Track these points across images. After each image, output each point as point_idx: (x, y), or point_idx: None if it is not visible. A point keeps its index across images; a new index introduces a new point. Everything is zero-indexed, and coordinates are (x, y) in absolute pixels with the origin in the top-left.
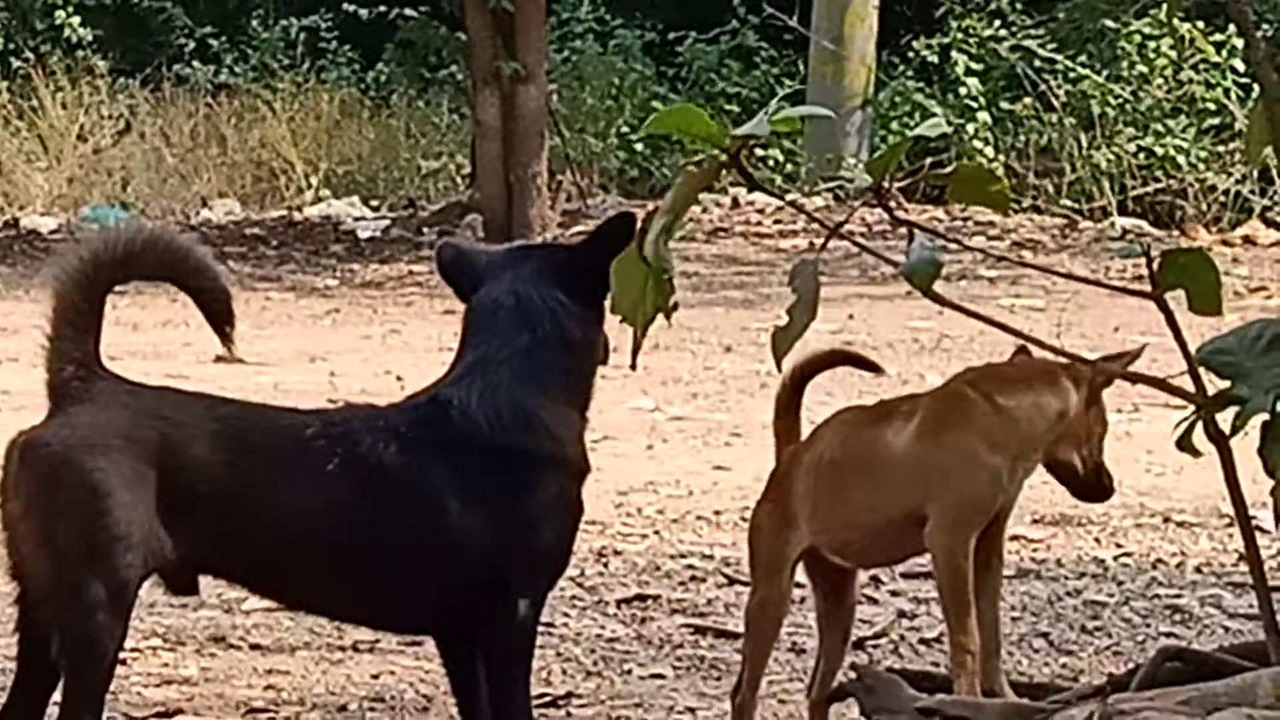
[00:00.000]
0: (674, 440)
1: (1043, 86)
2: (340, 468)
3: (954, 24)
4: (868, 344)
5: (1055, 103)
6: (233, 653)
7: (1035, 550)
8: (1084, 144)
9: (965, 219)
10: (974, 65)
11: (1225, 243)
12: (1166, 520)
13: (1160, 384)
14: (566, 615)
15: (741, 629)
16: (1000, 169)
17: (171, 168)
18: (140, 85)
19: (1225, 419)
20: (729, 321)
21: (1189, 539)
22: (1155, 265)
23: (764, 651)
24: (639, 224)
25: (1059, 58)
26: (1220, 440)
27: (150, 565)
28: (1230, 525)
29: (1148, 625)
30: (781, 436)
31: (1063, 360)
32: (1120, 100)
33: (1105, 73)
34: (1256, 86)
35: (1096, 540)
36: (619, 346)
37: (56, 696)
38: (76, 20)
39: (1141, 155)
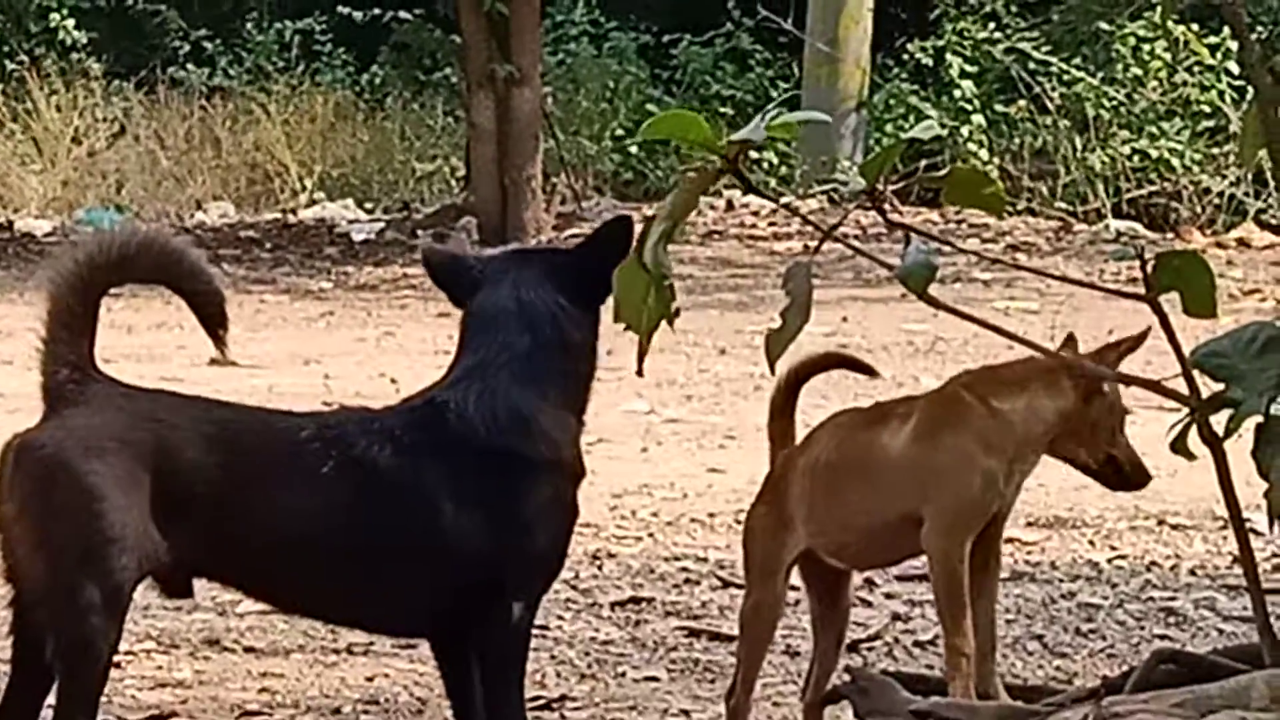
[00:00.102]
0: (668, 443)
1: (1037, 89)
2: (335, 470)
3: (948, 26)
4: (862, 347)
5: (1050, 105)
6: (227, 655)
7: (1029, 553)
8: (1078, 146)
9: (960, 221)
10: (968, 68)
11: (1220, 245)
12: (1161, 523)
13: (1154, 386)
14: (561, 618)
15: (736, 632)
16: (995, 171)
17: (166, 170)
18: (135, 88)
19: (1219, 422)
20: (723, 324)
21: (1183, 541)
22: (1150, 268)
23: (758, 654)
24: (638, 229)
25: (1054, 60)
26: (1214, 443)
27: (145, 568)
28: (1224, 528)
29: (1142, 628)
30: (776, 439)
31: (1065, 360)
32: (1115, 103)
33: (1100, 75)
34: (1251, 89)
35: (1091, 543)
36: (614, 349)
37: (51, 699)
38: (71, 23)
39: (1136, 158)
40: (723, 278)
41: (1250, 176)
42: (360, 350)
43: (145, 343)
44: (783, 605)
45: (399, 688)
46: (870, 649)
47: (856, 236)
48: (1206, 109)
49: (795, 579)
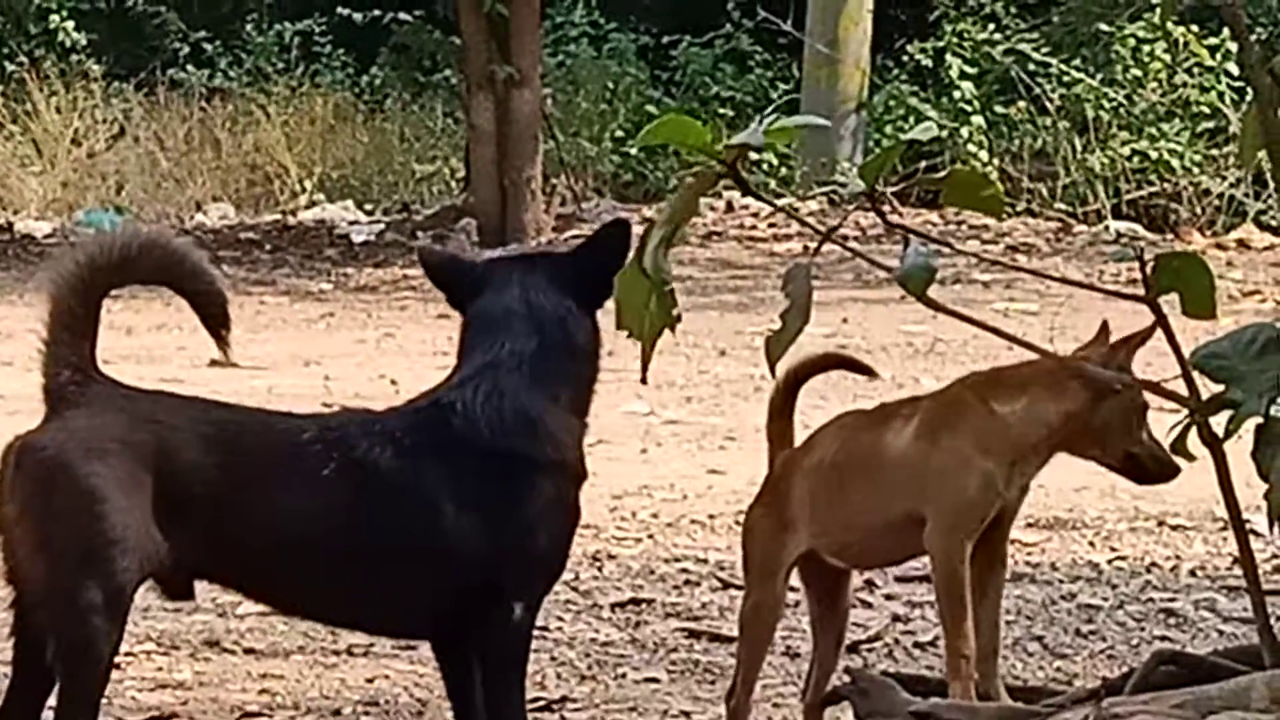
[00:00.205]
0: (668, 444)
1: (1037, 90)
2: (337, 472)
3: (948, 28)
4: (862, 348)
5: (1049, 106)
6: (227, 657)
7: (1030, 554)
8: (1078, 148)
9: (959, 223)
10: (968, 69)
11: (1219, 246)
12: (1161, 524)
13: (1154, 388)
14: (561, 619)
15: (736, 633)
16: (994, 173)
17: (166, 172)
18: (134, 89)
19: (1219, 423)
20: (723, 325)
21: (1183, 542)
22: (1149, 269)
23: (758, 655)
24: (639, 233)
25: (1053, 61)
26: (1214, 444)
27: (146, 569)
28: (1224, 529)
29: (1142, 629)
30: (775, 440)
31: (1066, 362)
32: (1114, 104)
33: (1099, 76)
34: (1250, 90)
35: (1091, 544)
36: (614, 350)
37: (52, 701)
38: (70, 25)
39: (1136, 159)
40: (722, 279)
41: (1250, 178)
42: (360, 351)
43: (145, 344)
44: (782, 606)
45: (399, 689)
46: (870, 650)
47: (856, 238)
48: (1206, 110)
49: (795, 580)
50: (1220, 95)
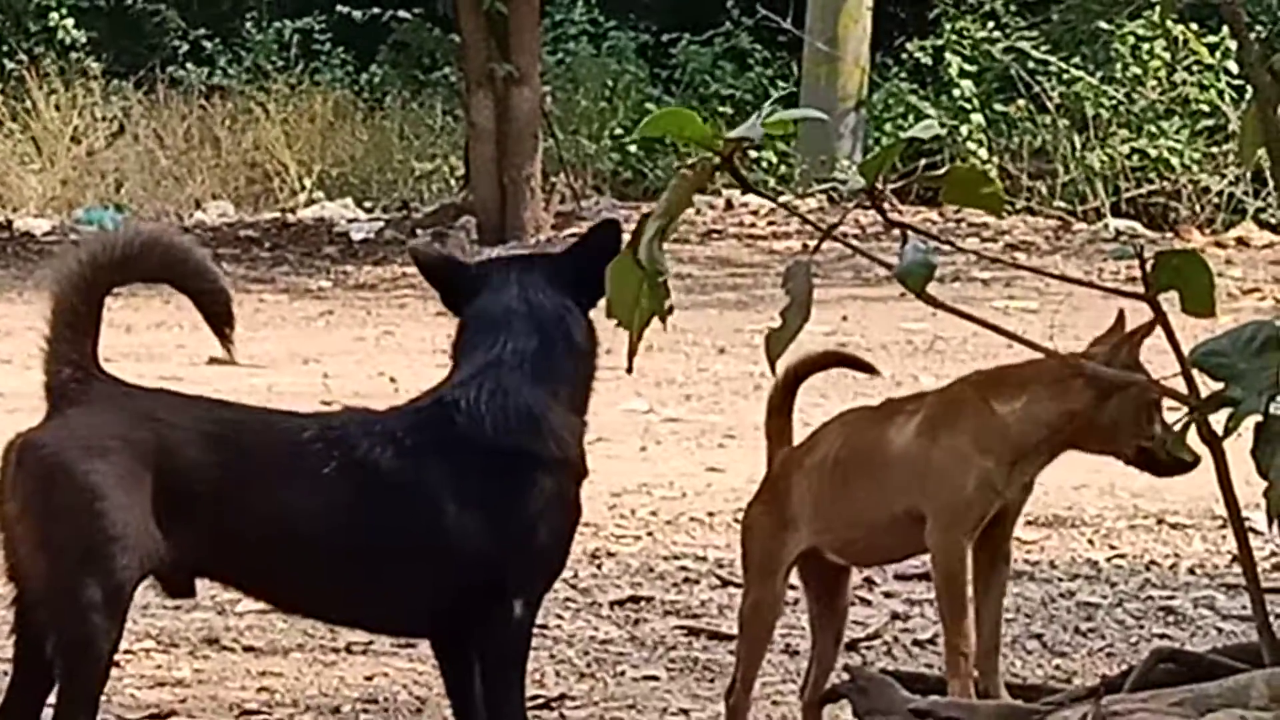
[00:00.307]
0: (667, 442)
1: (1036, 88)
2: (338, 470)
3: (948, 25)
4: (861, 345)
5: (1049, 104)
6: (226, 654)
7: (1029, 552)
8: (1078, 146)
9: (959, 220)
10: (968, 67)
11: (1219, 244)
12: (1160, 522)
13: (1154, 386)
14: (560, 617)
15: (735, 630)
16: (994, 171)
17: (165, 170)
18: (134, 87)
19: (1218, 421)
20: (722, 323)
21: (1182, 540)
22: (1149, 267)
23: (757, 653)
24: (635, 227)
25: (1053, 59)
26: (1213, 442)
27: (146, 567)
28: (1223, 527)
29: (1141, 627)
30: (774, 438)
31: (1066, 360)
32: (1114, 102)
33: (1099, 74)
34: (1250, 88)
35: (1090, 542)
36: (612, 349)
37: (53, 699)
38: (70, 22)
39: (1135, 157)
40: (722, 277)
41: (1249, 175)
42: (359, 349)
43: (144, 342)
44: (782, 604)
45: (398, 687)
46: (869, 648)
47: (856, 236)
48: (1205, 108)
49: (794, 578)
50: (1220, 93)
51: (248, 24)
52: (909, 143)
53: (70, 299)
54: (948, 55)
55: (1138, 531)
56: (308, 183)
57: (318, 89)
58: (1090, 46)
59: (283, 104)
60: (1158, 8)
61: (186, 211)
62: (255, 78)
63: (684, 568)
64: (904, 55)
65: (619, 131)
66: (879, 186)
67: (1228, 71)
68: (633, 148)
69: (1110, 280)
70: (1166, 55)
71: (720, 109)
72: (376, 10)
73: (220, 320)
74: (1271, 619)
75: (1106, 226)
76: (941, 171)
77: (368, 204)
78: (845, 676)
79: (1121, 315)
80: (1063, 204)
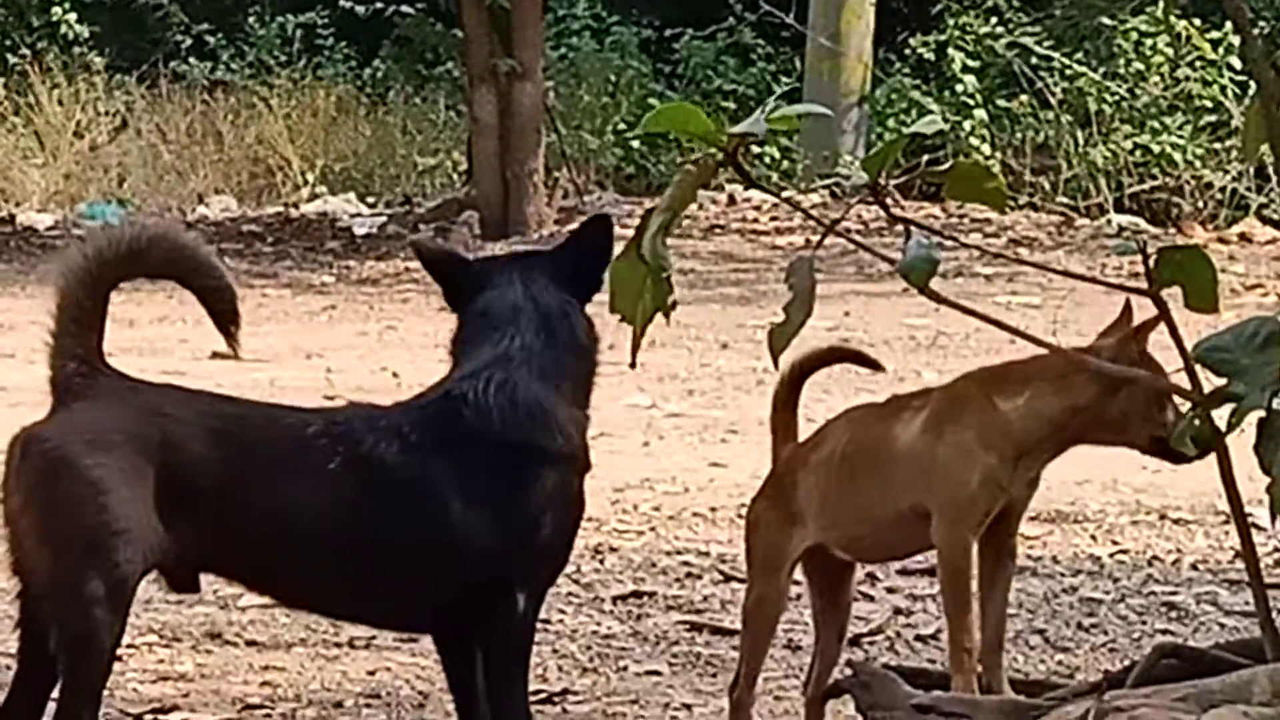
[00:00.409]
0: (670, 437)
1: (1039, 84)
2: (343, 465)
3: (951, 21)
4: (864, 341)
5: (1052, 100)
6: (229, 649)
7: (1031, 547)
8: (1080, 141)
9: (962, 216)
10: (971, 62)
11: (1222, 240)
12: (1163, 517)
13: (1157, 382)
14: (563, 612)
15: (738, 626)
16: (997, 166)
17: (168, 164)
18: (137, 82)
19: (1221, 416)
20: (725, 319)
21: (1185, 536)
22: (1152, 262)
23: (761, 648)
24: (639, 223)
25: (1056, 55)
26: (1216, 437)
27: (150, 561)
28: (1226, 522)
29: (1144, 622)
30: (778, 433)
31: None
32: (1117, 97)
33: (1102, 70)
34: (1253, 83)
35: (1093, 537)
36: (614, 344)
37: (56, 693)
38: (73, 17)
39: (1138, 152)
40: (724, 272)
41: (1252, 171)
42: (362, 344)
43: (147, 336)
44: (785, 600)
45: (401, 681)
46: (872, 643)
47: (859, 231)
48: (1208, 104)
49: (797, 574)
50: (1222, 89)
51: (250, 19)
52: (912, 138)
53: (75, 294)
54: (951, 51)
55: (1140, 527)
56: (310, 177)
57: (320, 84)
58: (1093, 42)
59: (285, 99)
60: (1160, 3)
61: (189, 206)
62: (258, 72)
63: (686, 563)
64: (907, 51)
65: (622, 126)
66: (882, 182)
67: (1230, 67)
68: (636, 143)
69: (1113, 276)
70: (1169, 51)
71: (723, 104)
72: (379, 5)
73: (225, 318)
74: (1274, 614)
75: (1109, 222)
76: (944, 167)
77: (370, 199)
78: (848, 672)
79: (1129, 305)
80: (1065, 199)
